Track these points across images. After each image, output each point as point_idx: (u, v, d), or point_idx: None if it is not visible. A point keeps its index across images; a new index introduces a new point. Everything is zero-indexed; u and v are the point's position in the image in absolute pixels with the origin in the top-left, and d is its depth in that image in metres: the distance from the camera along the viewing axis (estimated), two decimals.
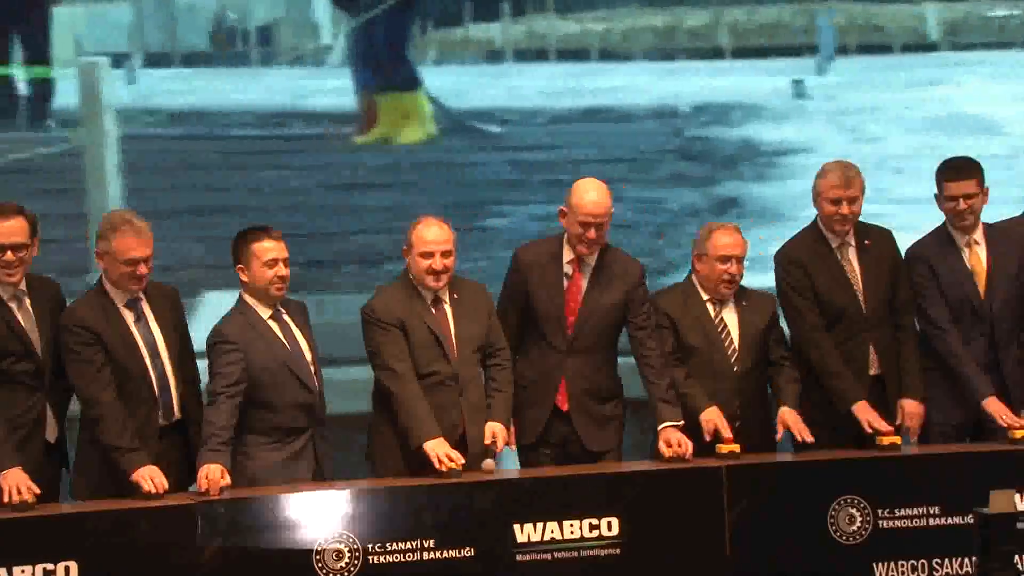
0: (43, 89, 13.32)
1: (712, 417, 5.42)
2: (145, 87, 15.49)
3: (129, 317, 5.15)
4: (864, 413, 5.50)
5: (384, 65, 12.51)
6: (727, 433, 5.39)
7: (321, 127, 13.34)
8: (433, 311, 5.44)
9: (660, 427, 5.44)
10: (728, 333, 5.61)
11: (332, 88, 14.29)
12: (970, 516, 5.14)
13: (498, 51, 19.54)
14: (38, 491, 4.95)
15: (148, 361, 5.17)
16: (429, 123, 12.41)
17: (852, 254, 5.67)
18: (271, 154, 12.20)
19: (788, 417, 5.56)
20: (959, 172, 5.66)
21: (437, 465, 5.23)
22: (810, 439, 5.49)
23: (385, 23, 12.39)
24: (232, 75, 18.25)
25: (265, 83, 15.79)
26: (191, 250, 9.94)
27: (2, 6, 13.46)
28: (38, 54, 13.57)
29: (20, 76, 13.76)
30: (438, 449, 5.24)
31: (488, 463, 5.41)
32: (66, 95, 13.51)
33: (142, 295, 5.19)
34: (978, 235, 5.70)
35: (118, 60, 11.73)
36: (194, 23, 23.38)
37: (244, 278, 5.30)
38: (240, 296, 5.36)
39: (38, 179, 10.96)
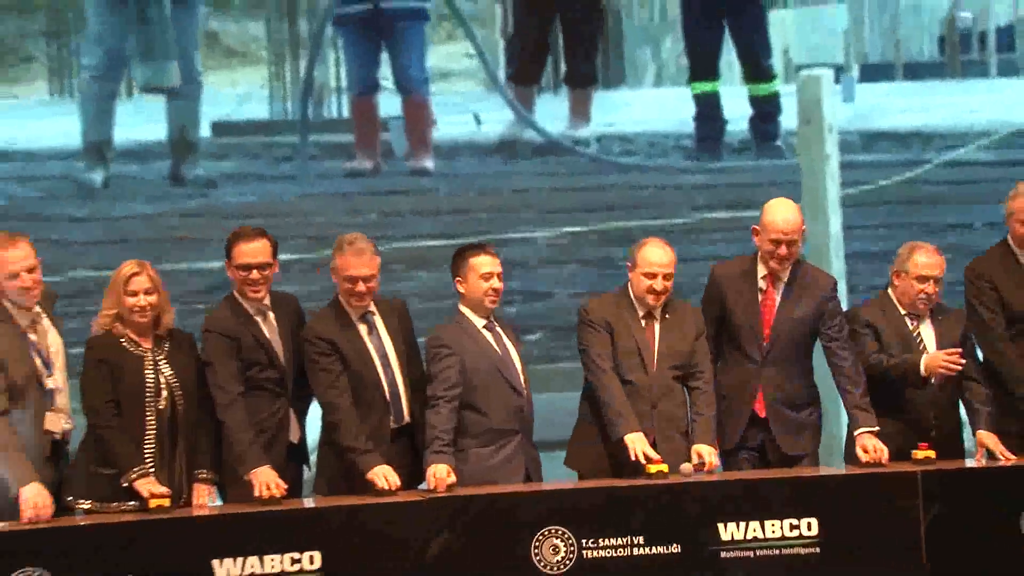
0: (764, 108, 12.85)
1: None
2: (864, 104, 14.28)
3: (363, 329, 5.64)
4: None
5: None
6: (927, 445, 5.65)
7: None
8: (643, 324, 5.82)
9: (856, 433, 5.76)
10: (925, 347, 5.87)
11: None
12: None
13: None
14: (286, 487, 5.46)
15: (380, 369, 5.65)
16: None
17: None
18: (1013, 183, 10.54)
19: (987, 439, 5.84)
20: None
21: (633, 458, 5.60)
22: (1012, 459, 5.76)
23: None
24: (966, 88, 16.73)
25: (1006, 97, 14.35)
26: None
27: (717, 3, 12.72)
28: (756, 69, 12.95)
29: (742, 93, 13.06)
30: (637, 444, 5.61)
31: (686, 467, 5.74)
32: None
33: (374, 309, 5.67)
34: None
35: (834, 72, 10.93)
36: (920, 26, 21.42)
37: (461, 290, 5.76)
38: (457, 307, 5.81)
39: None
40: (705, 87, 12.87)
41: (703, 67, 12.84)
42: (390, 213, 10.50)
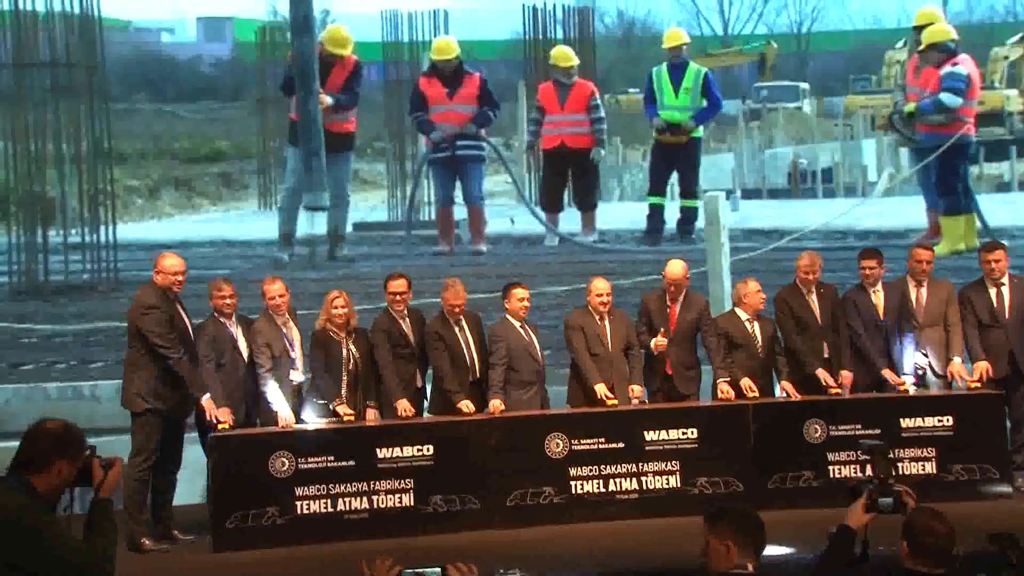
0: (689, 214, 16.14)
1: (748, 382, 8.77)
2: (744, 212, 18.13)
3: (456, 328, 8.76)
4: (822, 375, 8.74)
5: (945, 193, 14.42)
6: (756, 389, 8.76)
7: (869, 241, 14.64)
8: (599, 323, 8.83)
9: (717, 381, 8.77)
10: (756, 337, 8.90)
11: (877, 212, 16.81)
12: (877, 429, 8.33)
13: (1006, 183, 26.12)
14: (413, 411, 8.63)
15: (464, 349, 8.74)
16: (973, 236, 14.17)
17: (814, 296, 8.97)
18: (836, 262, 12.14)
19: (786, 387, 8.81)
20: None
21: (599, 397, 8.53)
22: (798, 397, 8.74)
23: (939, 162, 14.29)
24: (804, 204, 21.47)
25: (828, 210, 17.35)
26: None
27: (668, 154, 16.28)
28: (688, 189, 16.43)
29: (676, 205, 16.73)
30: (600, 388, 8.60)
31: (634, 401, 8.72)
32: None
33: (463, 318, 8.78)
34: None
35: (726, 194, 13.02)
36: (776, 167, 29.63)
37: (507, 306, 8.79)
38: (504, 315, 8.86)
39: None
40: (657, 200, 16.57)
41: (657, 188, 16.60)
42: (458, 275, 10.91)
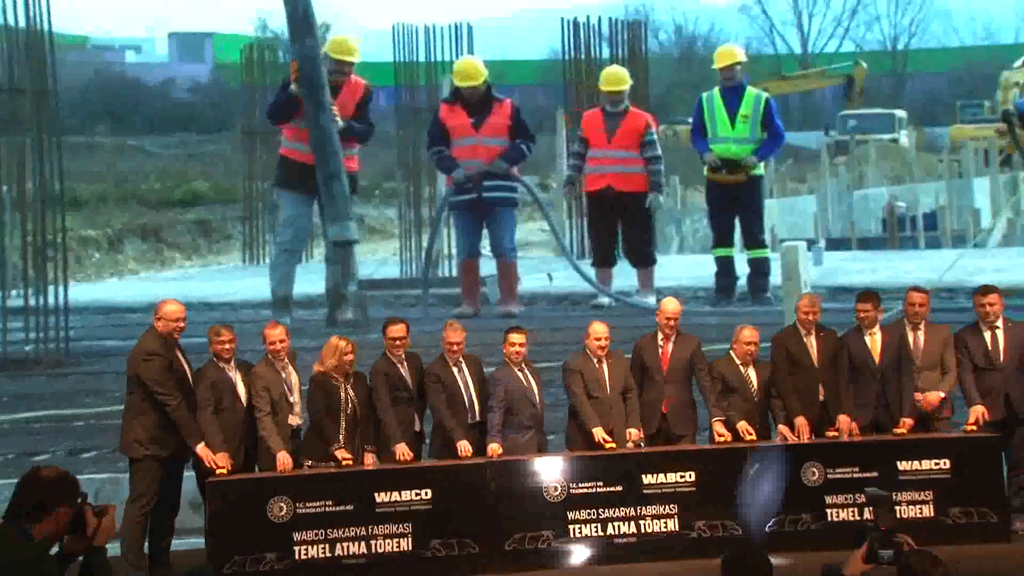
0: (759, 267, 15.16)
1: (745, 426, 9.55)
2: (829, 267, 16.80)
3: (455, 370, 9.52)
4: (801, 424, 9.51)
5: None
6: (752, 433, 9.54)
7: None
8: (598, 366, 9.59)
9: (712, 420, 9.52)
10: (751, 381, 9.67)
11: (993, 265, 15.50)
12: (875, 472, 9.07)
13: None
14: (412, 455, 9.32)
15: (463, 391, 9.48)
16: None
17: (813, 339, 9.71)
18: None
19: (782, 430, 9.54)
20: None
21: (597, 440, 9.27)
22: (795, 440, 9.45)
23: None
24: (902, 256, 19.40)
25: (932, 263, 16.24)
26: None
27: (725, 196, 15.17)
28: (753, 238, 15.42)
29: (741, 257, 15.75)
30: (599, 432, 9.33)
31: (629, 444, 9.45)
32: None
33: (462, 360, 9.56)
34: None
35: (807, 244, 11.89)
36: (868, 211, 26.71)
37: (506, 352, 9.55)
38: (504, 361, 9.62)
39: None
40: (724, 252, 15.79)
41: (722, 239, 15.81)
42: (487, 343, 11.82)
